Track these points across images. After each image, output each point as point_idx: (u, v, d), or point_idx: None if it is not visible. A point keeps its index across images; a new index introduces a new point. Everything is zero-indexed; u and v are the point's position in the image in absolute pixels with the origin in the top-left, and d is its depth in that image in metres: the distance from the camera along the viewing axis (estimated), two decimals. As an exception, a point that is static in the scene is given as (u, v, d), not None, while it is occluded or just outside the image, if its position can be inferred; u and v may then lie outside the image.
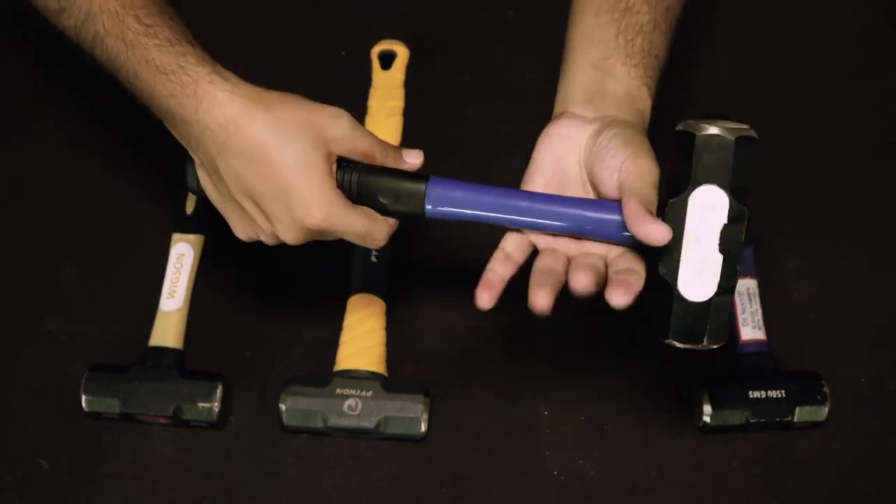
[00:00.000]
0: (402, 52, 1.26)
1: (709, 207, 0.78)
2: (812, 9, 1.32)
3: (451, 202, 0.87)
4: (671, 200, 0.80)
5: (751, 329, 1.09)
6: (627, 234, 0.81)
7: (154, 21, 0.84)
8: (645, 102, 0.87)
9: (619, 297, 0.80)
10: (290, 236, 0.85)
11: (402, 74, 1.26)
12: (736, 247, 0.79)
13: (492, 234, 1.17)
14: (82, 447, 1.06)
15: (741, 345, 1.09)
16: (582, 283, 0.82)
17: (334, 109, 0.85)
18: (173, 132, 0.86)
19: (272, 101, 0.83)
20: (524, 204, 0.86)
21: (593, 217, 0.83)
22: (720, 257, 0.79)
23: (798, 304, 1.13)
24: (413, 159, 0.89)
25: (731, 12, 1.32)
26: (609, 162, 0.82)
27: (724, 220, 0.79)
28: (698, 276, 0.80)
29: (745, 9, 1.33)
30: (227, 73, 0.84)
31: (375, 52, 1.27)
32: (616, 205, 0.82)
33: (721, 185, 0.78)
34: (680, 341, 0.81)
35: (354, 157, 0.86)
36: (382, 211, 0.87)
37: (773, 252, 1.15)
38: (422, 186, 0.86)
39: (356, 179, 0.86)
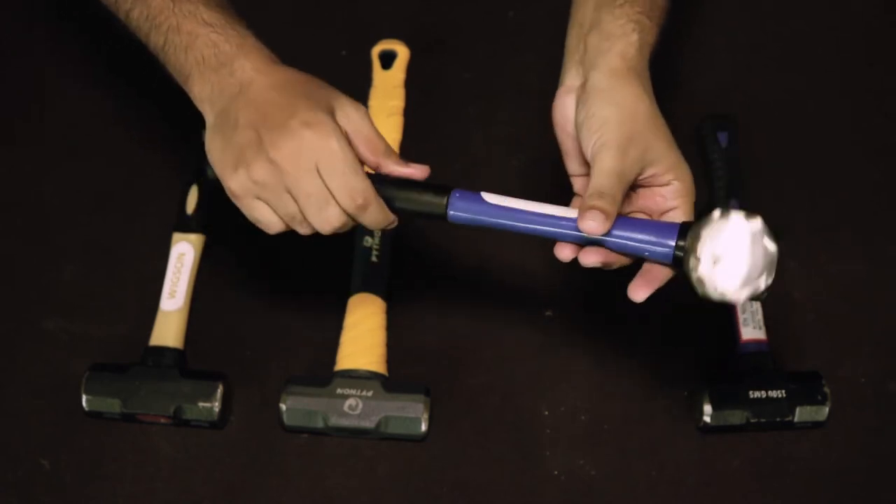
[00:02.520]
0: (402, 52, 1.26)
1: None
2: (812, 8, 1.32)
3: (468, 211, 0.88)
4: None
5: (751, 329, 1.09)
6: (643, 249, 0.84)
7: None
8: (628, 38, 0.87)
9: (635, 293, 0.85)
10: (281, 146, 0.83)
11: (403, 74, 1.26)
12: None
13: (493, 234, 1.17)
14: (83, 447, 1.06)
15: (741, 345, 1.09)
16: (590, 260, 0.85)
17: (355, 101, 0.88)
18: (195, 89, 0.88)
19: (303, 72, 0.89)
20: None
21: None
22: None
23: (798, 304, 1.13)
24: (418, 169, 0.89)
25: (732, 12, 1.32)
26: (585, 142, 0.85)
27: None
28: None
29: (745, 8, 1.33)
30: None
31: (376, 51, 1.27)
32: (631, 221, 0.84)
33: None
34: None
35: (358, 137, 0.86)
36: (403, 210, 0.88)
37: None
38: (444, 199, 0.87)
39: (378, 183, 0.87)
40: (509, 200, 0.87)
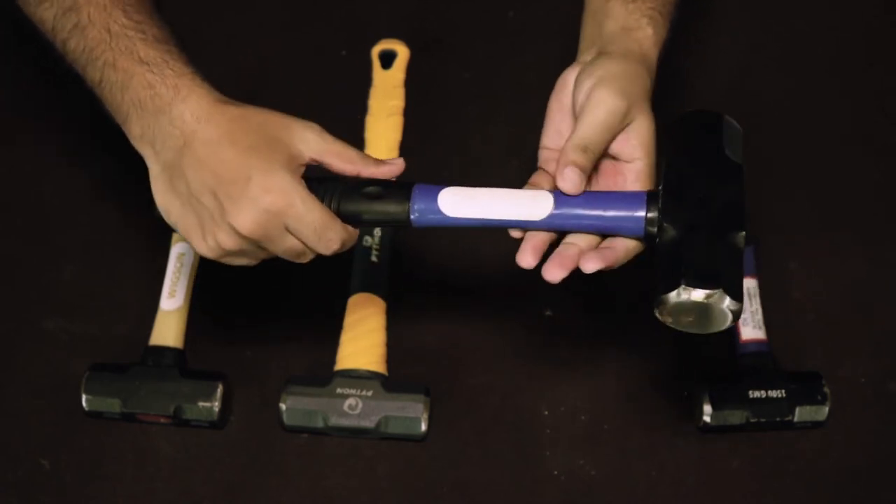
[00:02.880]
0: (402, 52, 1.26)
1: None
2: (812, 8, 1.32)
3: (434, 213, 0.84)
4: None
5: (751, 329, 1.09)
6: (610, 225, 0.81)
7: (142, 18, 0.85)
8: (644, 31, 0.88)
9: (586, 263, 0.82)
10: (245, 219, 0.80)
11: (403, 74, 1.26)
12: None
13: (493, 234, 1.17)
14: (83, 447, 1.06)
15: (741, 345, 1.09)
16: (591, 266, 0.82)
17: (305, 121, 0.85)
18: (135, 131, 0.84)
19: (240, 104, 0.84)
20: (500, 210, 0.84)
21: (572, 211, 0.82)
22: None
23: (798, 304, 1.13)
24: (393, 166, 0.86)
25: (732, 12, 1.32)
26: (580, 87, 0.84)
27: None
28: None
29: (745, 8, 1.33)
30: (208, 83, 0.84)
31: (376, 51, 1.27)
32: (594, 194, 0.82)
33: None
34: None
35: (327, 158, 0.84)
36: (363, 221, 0.85)
37: (773, 252, 1.15)
38: (407, 194, 0.83)
39: (335, 190, 0.84)
40: (468, 201, 0.83)
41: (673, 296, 0.76)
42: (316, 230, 0.82)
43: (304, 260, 0.86)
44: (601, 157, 0.84)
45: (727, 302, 0.75)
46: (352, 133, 1.21)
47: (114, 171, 1.22)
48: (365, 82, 1.25)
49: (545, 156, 0.89)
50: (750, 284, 1.11)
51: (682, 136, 0.85)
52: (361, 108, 1.23)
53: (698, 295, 0.75)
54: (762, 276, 1.13)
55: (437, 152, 1.22)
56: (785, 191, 1.20)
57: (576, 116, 0.85)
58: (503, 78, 1.27)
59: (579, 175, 0.81)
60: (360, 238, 1.13)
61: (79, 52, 0.86)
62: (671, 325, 0.79)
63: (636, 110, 0.84)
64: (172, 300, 1.11)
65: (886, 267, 1.15)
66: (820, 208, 1.19)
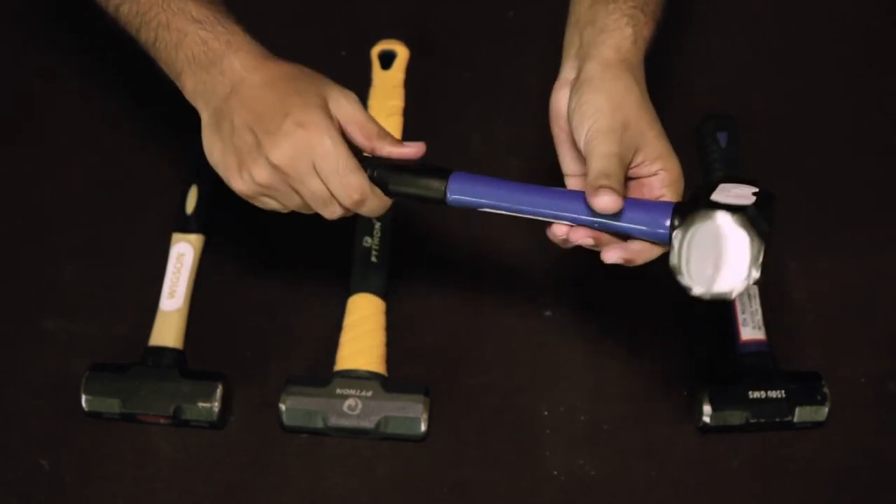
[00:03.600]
0: (402, 52, 1.26)
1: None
2: (812, 9, 1.32)
3: (468, 193, 0.87)
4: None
5: (751, 329, 1.09)
6: (635, 228, 0.83)
7: None
8: (623, 32, 0.88)
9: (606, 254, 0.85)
10: (278, 151, 0.85)
11: (403, 74, 1.26)
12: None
13: (493, 234, 1.17)
14: (82, 447, 1.06)
15: (741, 345, 1.09)
16: (613, 256, 0.85)
17: (345, 89, 0.89)
18: (188, 85, 0.90)
19: (292, 63, 0.90)
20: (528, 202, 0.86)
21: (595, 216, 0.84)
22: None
23: (798, 304, 1.13)
24: (415, 147, 0.90)
25: (732, 12, 1.32)
26: (577, 131, 0.85)
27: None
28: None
29: (745, 8, 1.33)
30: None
31: (375, 51, 1.27)
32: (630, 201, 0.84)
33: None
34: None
35: (351, 126, 0.88)
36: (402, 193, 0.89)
37: (773, 252, 1.15)
38: (444, 181, 0.87)
39: (376, 168, 0.88)
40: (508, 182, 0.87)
41: (702, 208, 0.80)
42: (339, 171, 0.85)
43: (331, 212, 0.89)
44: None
45: (754, 241, 0.81)
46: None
47: (114, 170, 1.22)
48: (365, 82, 1.25)
49: (572, 183, 0.91)
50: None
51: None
52: (361, 109, 1.23)
53: (726, 216, 0.80)
54: (762, 277, 1.13)
55: (437, 152, 1.21)
56: (785, 191, 1.19)
57: (582, 150, 0.86)
58: (503, 78, 1.27)
59: (610, 193, 0.81)
60: (360, 238, 1.13)
61: (132, 15, 0.91)
62: (675, 270, 0.81)
63: (638, 129, 0.84)
64: (172, 300, 1.11)
65: (886, 267, 1.15)
66: (820, 208, 1.19)
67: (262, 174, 0.86)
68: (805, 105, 1.25)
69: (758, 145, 1.22)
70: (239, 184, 0.88)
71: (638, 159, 0.85)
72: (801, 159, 1.22)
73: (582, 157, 0.86)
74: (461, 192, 0.87)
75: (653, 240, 0.84)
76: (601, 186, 0.81)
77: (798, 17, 1.31)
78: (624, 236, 0.85)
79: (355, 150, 0.88)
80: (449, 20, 1.31)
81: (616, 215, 0.83)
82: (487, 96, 1.26)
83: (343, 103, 0.88)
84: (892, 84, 1.27)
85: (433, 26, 1.31)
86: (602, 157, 0.83)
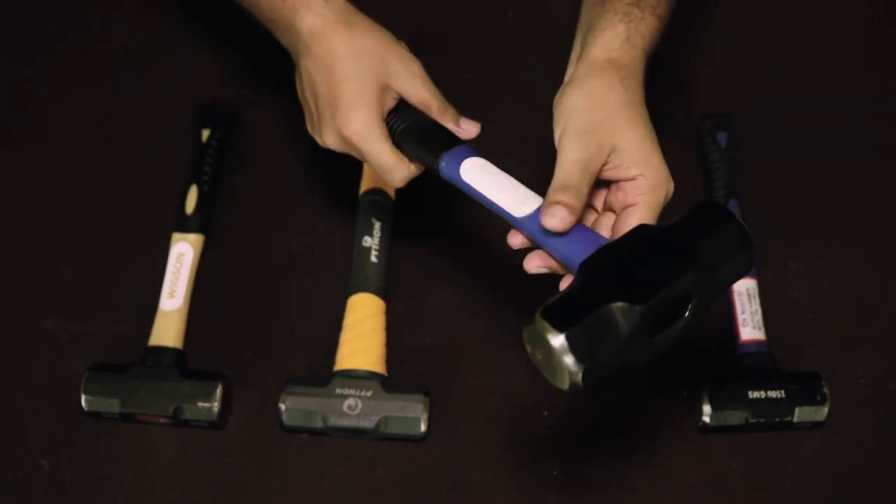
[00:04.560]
0: (402, 52, 1.26)
1: None
2: (812, 9, 1.32)
3: (453, 177, 0.87)
4: None
5: (751, 329, 1.09)
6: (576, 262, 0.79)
7: None
8: (614, 30, 0.86)
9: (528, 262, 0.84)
10: (330, 140, 0.92)
11: (403, 74, 1.26)
12: None
13: (493, 234, 1.17)
14: (82, 447, 1.06)
15: (741, 345, 1.09)
16: (533, 265, 0.84)
17: (410, 55, 0.94)
18: (280, 40, 0.95)
19: (358, 24, 0.93)
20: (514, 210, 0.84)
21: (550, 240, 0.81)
22: None
23: (798, 304, 1.13)
24: (469, 127, 0.93)
25: (731, 12, 1.32)
26: (556, 131, 0.84)
27: None
28: None
29: (744, 8, 1.33)
30: None
31: (375, 51, 1.27)
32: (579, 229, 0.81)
33: None
34: None
35: (413, 101, 0.92)
36: (410, 154, 0.91)
37: (773, 252, 1.15)
38: (448, 147, 0.89)
39: (404, 122, 0.91)
40: (485, 177, 0.86)
41: (531, 320, 0.71)
42: (380, 169, 0.91)
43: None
44: (600, 188, 0.84)
45: (566, 354, 0.69)
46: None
47: (113, 171, 1.22)
48: (365, 82, 1.25)
49: None
50: (749, 284, 1.11)
51: (683, 215, 0.78)
52: (361, 109, 1.22)
53: (544, 328, 0.70)
54: (762, 277, 1.13)
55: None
56: (784, 191, 1.20)
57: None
58: (503, 78, 1.27)
59: (563, 214, 0.78)
60: (360, 238, 1.13)
61: None
62: (529, 354, 0.74)
63: (616, 137, 0.81)
64: (172, 300, 1.11)
65: (886, 267, 1.15)
66: (820, 208, 1.19)
67: (322, 141, 0.93)
68: (805, 105, 1.25)
69: (758, 145, 1.22)
70: (309, 131, 0.95)
71: (615, 161, 0.81)
72: (801, 159, 1.22)
73: None
74: (448, 171, 0.88)
75: (566, 266, 0.80)
76: (555, 202, 0.79)
77: (798, 17, 1.31)
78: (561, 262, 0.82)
79: (401, 103, 0.92)
80: (448, 20, 1.31)
81: (563, 242, 0.79)
82: (487, 96, 1.26)
83: (405, 79, 0.92)
84: (892, 84, 1.27)
85: (433, 26, 1.31)
86: (565, 163, 0.81)
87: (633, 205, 0.81)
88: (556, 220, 0.78)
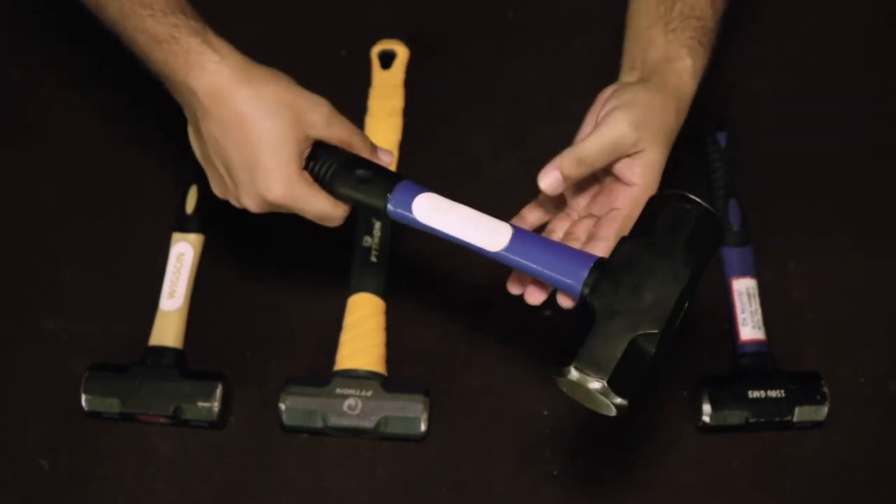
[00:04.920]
0: (402, 52, 1.26)
1: None
2: (812, 9, 1.32)
3: (408, 211, 0.85)
4: None
5: (750, 329, 1.09)
6: (551, 277, 0.81)
7: None
8: (683, 62, 0.88)
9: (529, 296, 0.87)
10: (252, 204, 0.86)
11: (402, 74, 1.26)
12: None
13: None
14: (82, 447, 1.06)
15: (741, 345, 1.09)
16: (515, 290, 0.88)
17: (316, 97, 0.87)
18: (170, 91, 0.88)
19: (258, 76, 0.85)
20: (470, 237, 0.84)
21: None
22: None
23: (798, 304, 1.13)
24: (385, 157, 0.90)
25: (731, 12, 1.32)
26: (606, 106, 0.85)
27: None
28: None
29: (744, 9, 1.32)
30: (218, 44, 0.85)
31: (375, 51, 1.27)
32: (546, 242, 0.83)
33: None
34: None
35: (333, 143, 0.87)
36: (348, 198, 0.87)
37: (772, 252, 1.15)
38: (391, 186, 0.85)
39: (331, 165, 0.86)
40: (446, 214, 0.84)
41: (565, 371, 0.77)
42: (318, 218, 0.87)
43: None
44: (605, 173, 0.86)
45: (611, 395, 0.75)
46: (352, 133, 1.21)
47: (114, 171, 1.22)
48: (365, 82, 1.25)
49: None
50: (749, 284, 1.11)
51: (653, 215, 0.81)
52: (361, 109, 1.23)
53: (580, 377, 0.76)
54: (762, 277, 1.13)
55: (436, 152, 1.22)
56: (784, 191, 1.20)
57: (597, 117, 0.86)
58: (502, 78, 1.27)
59: (558, 179, 0.82)
60: (360, 238, 1.13)
61: (108, 25, 0.88)
62: (566, 392, 0.80)
63: (649, 143, 0.84)
64: (172, 300, 1.11)
65: (886, 267, 1.15)
66: (819, 208, 1.19)
67: (240, 205, 0.87)
68: (805, 105, 1.25)
69: (758, 145, 1.22)
70: (218, 193, 0.89)
71: (630, 161, 0.84)
72: (800, 159, 1.22)
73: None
74: (399, 213, 0.85)
75: (566, 292, 0.82)
76: (558, 167, 0.82)
77: (798, 17, 1.31)
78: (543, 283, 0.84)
79: (319, 146, 0.87)
80: (449, 20, 1.31)
81: (536, 256, 0.81)
82: (487, 96, 1.26)
83: (321, 126, 0.86)
84: (892, 84, 1.27)
85: (433, 26, 1.31)
86: (598, 137, 0.83)
87: (616, 209, 0.85)
88: (546, 183, 0.82)
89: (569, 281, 0.80)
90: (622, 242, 0.80)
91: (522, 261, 0.81)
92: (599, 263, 0.80)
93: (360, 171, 0.86)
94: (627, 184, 0.85)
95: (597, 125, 0.84)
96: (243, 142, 0.84)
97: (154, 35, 0.85)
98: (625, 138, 0.83)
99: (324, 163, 0.86)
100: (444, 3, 1.32)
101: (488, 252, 0.83)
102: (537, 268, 0.81)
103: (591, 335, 0.77)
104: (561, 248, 0.82)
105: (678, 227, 0.79)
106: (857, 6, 1.32)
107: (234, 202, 0.89)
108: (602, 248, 0.82)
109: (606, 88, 0.90)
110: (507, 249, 0.82)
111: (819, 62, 1.29)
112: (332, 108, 0.87)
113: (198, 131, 0.87)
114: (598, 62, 1.27)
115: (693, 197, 0.80)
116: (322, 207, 0.86)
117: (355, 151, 0.88)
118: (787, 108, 1.25)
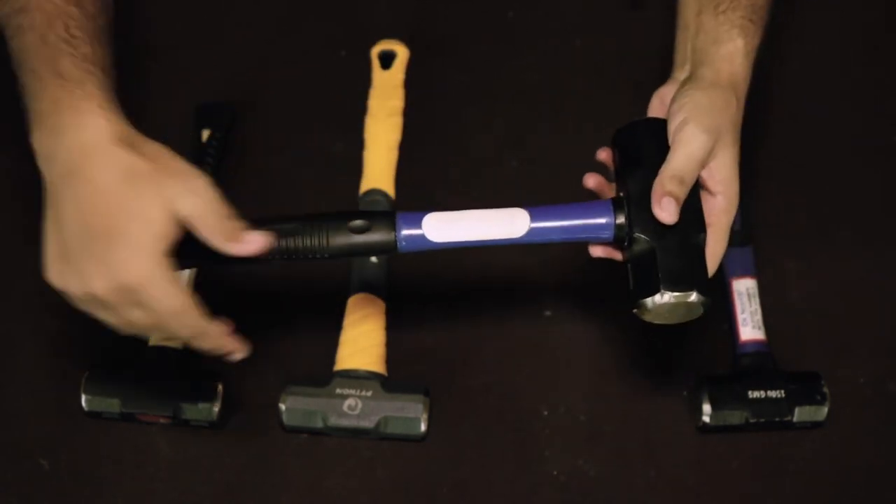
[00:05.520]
0: (402, 52, 1.26)
1: None
2: (812, 9, 1.32)
3: (420, 239, 0.87)
4: None
5: (750, 329, 1.09)
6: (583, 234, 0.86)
7: (80, 35, 0.83)
8: (735, 43, 0.88)
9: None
10: (99, 284, 0.78)
11: (402, 74, 1.26)
12: None
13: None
14: (82, 447, 1.06)
15: (741, 345, 1.09)
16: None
17: (194, 176, 0.80)
18: (35, 144, 0.82)
19: (139, 150, 0.80)
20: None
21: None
22: None
23: (798, 304, 1.13)
24: (249, 248, 0.84)
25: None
26: (674, 119, 0.86)
27: None
28: None
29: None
30: (117, 113, 0.81)
31: (375, 51, 1.27)
32: (560, 208, 0.86)
33: None
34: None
35: (200, 229, 0.80)
36: (347, 252, 0.85)
37: (772, 252, 1.15)
38: (391, 223, 0.85)
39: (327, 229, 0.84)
40: (451, 226, 0.85)
41: (653, 300, 0.83)
42: (173, 315, 0.80)
43: (147, 335, 0.87)
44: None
45: (699, 298, 0.83)
46: (352, 133, 1.21)
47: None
48: (365, 82, 1.25)
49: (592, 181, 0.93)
50: (749, 284, 1.11)
51: (634, 143, 0.87)
52: (361, 109, 1.23)
53: (675, 297, 0.82)
54: (762, 276, 1.13)
55: (436, 152, 1.22)
56: (784, 191, 1.20)
57: (670, 137, 0.86)
58: (503, 78, 1.27)
59: (675, 206, 0.83)
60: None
61: (16, 52, 0.84)
62: (648, 321, 0.85)
63: (720, 144, 0.85)
64: (172, 300, 1.11)
65: (885, 267, 1.15)
66: (819, 208, 1.19)
67: (74, 288, 0.80)
68: (805, 105, 1.25)
69: (757, 145, 1.22)
70: (50, 276, 0.81)
71: (707, 172, 0.85)
72: (800, 159, 1.22)
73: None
74: (411, 247, 0.86)
75: (600, 240, 0.87)
76: (669, 194, 0.82)
77: (798, 17, 1.31)
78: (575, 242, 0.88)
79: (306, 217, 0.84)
80: (449, 20, 1.31)
81: (561, 220, 0.85)
82: (487, 96, 1.26)
83: (189, 205, 0.79)
84: (893, 84, 1.27)
85: (433, 26, 1.31)
86: (684, 154, 0.83)
87: (710, 225, 0.86)
88: (667, 213, 0.83)
89: (601, 231, 0.85)
90: (622, 180, 0.86)
91: (551, 233, 0.85)
92: (617, 201, 0.85)
93: (354, 223, 0.84)
94: (712, 194, 0.86)
95: (674, 141, 0.84)
96: (109, 208, 0.77)
97: (62, 72, 0.81)
98: (703, 147, 0.84)
99: (315, 230, 0.84)
100: (444, 3, 1.32)
101: (516, 240, 0.85)
102: (567, 233, 0.85)
103: (656, 263, 0.82)
104: (576, 206, 0.86)
105: (654, 140, 0.85)
106: (858, 6, 1.32)
107: (75, 285, 0.79)
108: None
109: (663, 89, 0.91)
110: (531, 229, 0.84)
111: (820, 62, 1.29)
112: (209, 184, 0.80)
113: (55, 194, 0.79)
114: (598, 62, 1.28)
115: (641, 119, 0.88)
116: (179, 303, 0.79)
117: (223, 245, 0.81)
118: (788, 108, 1.25)
